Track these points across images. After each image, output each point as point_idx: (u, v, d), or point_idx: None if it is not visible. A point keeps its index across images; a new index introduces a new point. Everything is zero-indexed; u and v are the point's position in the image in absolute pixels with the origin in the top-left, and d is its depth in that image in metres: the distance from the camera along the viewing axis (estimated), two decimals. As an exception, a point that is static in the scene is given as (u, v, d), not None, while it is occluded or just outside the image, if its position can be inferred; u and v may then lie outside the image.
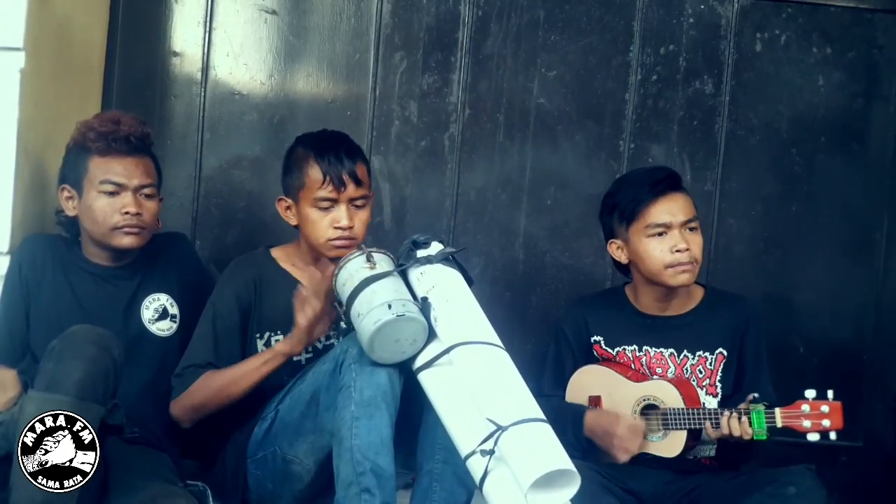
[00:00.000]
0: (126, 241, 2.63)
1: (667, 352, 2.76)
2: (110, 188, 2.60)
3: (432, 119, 3.31)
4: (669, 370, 2.74)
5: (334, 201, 2.60)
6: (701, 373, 2.74)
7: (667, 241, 2.68)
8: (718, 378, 2.74)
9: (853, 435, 3.29)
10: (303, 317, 2.50)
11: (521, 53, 3.31)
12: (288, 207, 2.68)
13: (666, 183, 2.73)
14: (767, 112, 3.34)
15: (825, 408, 2.52)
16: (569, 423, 2.63)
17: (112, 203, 2.60)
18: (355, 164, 2.62)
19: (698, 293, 2.80)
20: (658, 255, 2.68)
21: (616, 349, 2.78)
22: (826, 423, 2.52)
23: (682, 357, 2.75)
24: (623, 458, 2.60)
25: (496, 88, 3.31)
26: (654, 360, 2.76)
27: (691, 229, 2.70)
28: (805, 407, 2.53)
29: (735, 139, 3.33)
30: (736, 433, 2.52)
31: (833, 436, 2.53)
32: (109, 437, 2.32)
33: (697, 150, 3.33)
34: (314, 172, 2.61)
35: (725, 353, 2.75)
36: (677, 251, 2.66)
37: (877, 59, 3.35)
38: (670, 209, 2.69)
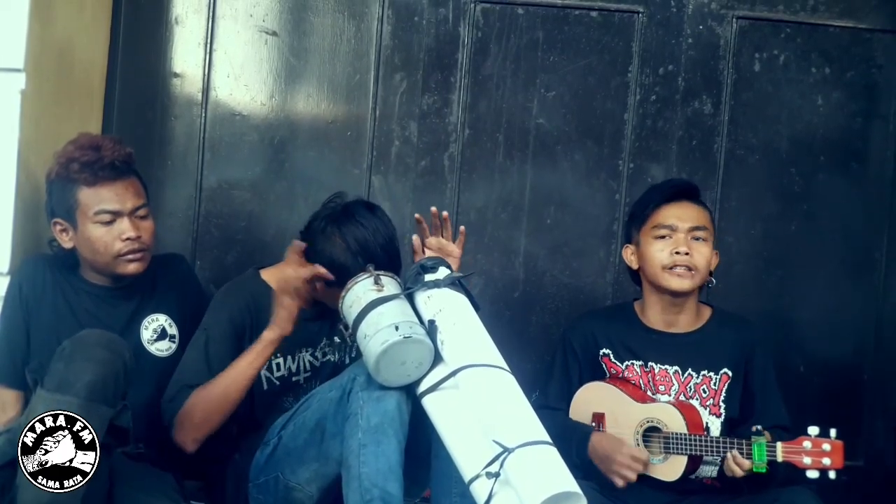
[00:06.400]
0: (131, 268, 2.63)
1: (671, 369, 2.75)
2: (106, 217, 2.59)
3: (432, 139, 3.32)
4: (673, 388, 2.74)
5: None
6: (705, 392, 2.74)
7: (670, 244, 2.71)
8: (722, 398, 2.74)
9: (854, 453, 3.26)
10: (286, 297, 2.51)
11: (520, 74, 3.31)
12: None
13: (678, 188, 2.80)
14: (766, 132, 3.34)
15: (826, 446, 2.49)
16: (574, 441, 2.63)
17: (110, 231, 2.59)
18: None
19: (706, 312, 2.81)
20: (658, 255, 2.71)
21: (625, 363, 2.78)
22: (826, 461, 2.48)
23: (686, 375, 2.74)
24: (620, 484, 2.58)
25: (496, 109, 3.32)
26: (658, 377, 2.75)
27: (697, 238, 2.72)
28: (807, 443, 2.50)
29: (734, 159, 3.33)
30: (736, 466, 2.51)
31: (832, 475, 2.49)
32: (116, 449, 2.32)
33: (697, 170, 3.32)
34: None
35: (730, 373, 2.74)
36: (676, 253, 2.69)
37: (876, 78, 3.35)
38: (678, 214, 2.73)
